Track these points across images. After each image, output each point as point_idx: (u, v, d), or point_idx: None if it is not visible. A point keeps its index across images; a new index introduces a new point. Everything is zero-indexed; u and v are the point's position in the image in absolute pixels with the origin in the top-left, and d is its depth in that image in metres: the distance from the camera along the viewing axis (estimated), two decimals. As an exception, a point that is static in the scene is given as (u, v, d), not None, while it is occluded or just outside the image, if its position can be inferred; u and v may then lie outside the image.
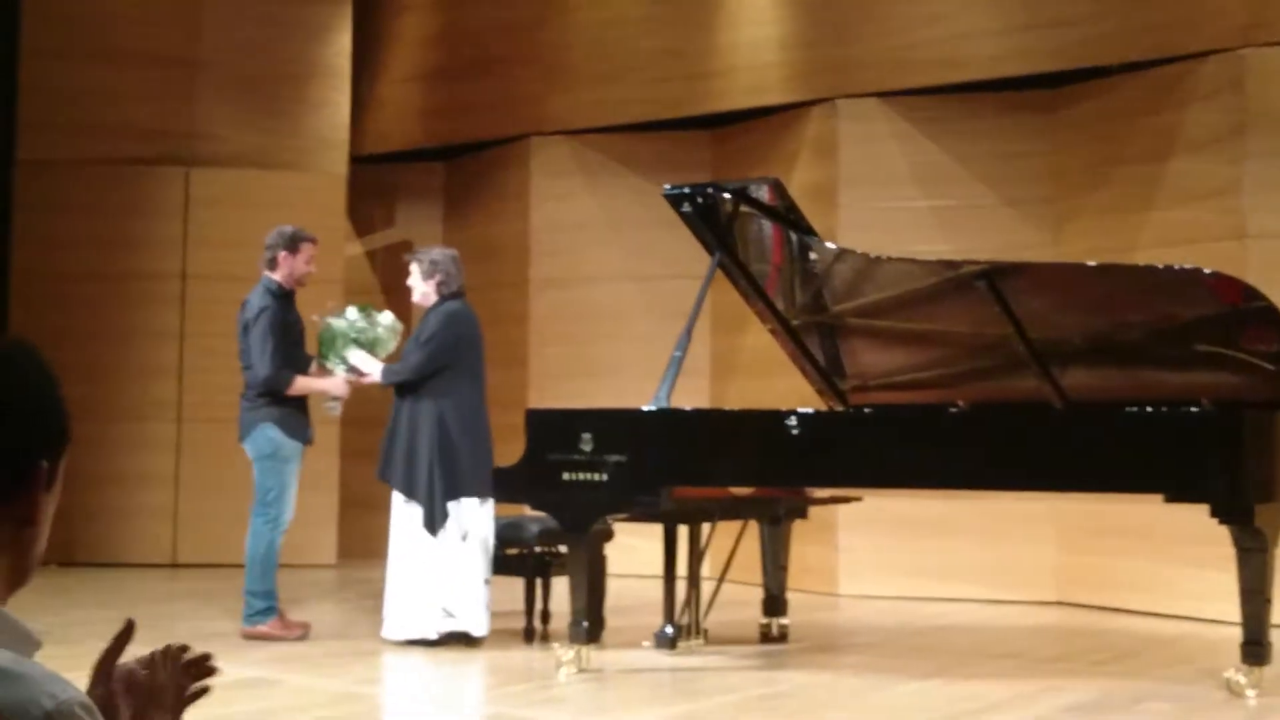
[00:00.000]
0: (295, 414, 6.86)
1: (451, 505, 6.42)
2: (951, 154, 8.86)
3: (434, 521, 6.40)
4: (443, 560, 6.39)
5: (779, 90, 9.42)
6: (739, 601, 7.40)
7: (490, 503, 6.49)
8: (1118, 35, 8.16)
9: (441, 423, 6.46)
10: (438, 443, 6.44)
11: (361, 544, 10.53)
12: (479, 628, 6.42)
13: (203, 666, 1.69)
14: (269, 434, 6.79)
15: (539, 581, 6.83)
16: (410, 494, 6.47)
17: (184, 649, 1.70)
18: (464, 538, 6.42)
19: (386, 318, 6.90)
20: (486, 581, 6.47)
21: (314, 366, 6.99)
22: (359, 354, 6.75)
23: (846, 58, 9.09)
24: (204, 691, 1.69)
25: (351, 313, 6.92)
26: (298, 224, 10.19)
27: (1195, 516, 5.50)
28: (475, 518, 6.45)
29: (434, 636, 6.38)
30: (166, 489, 10.03)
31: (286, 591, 8.56)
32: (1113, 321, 5.80)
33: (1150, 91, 8.09)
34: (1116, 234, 8.12)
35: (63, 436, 1.47)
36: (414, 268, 6.75)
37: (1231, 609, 5.47)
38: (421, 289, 6.71)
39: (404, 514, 6.52)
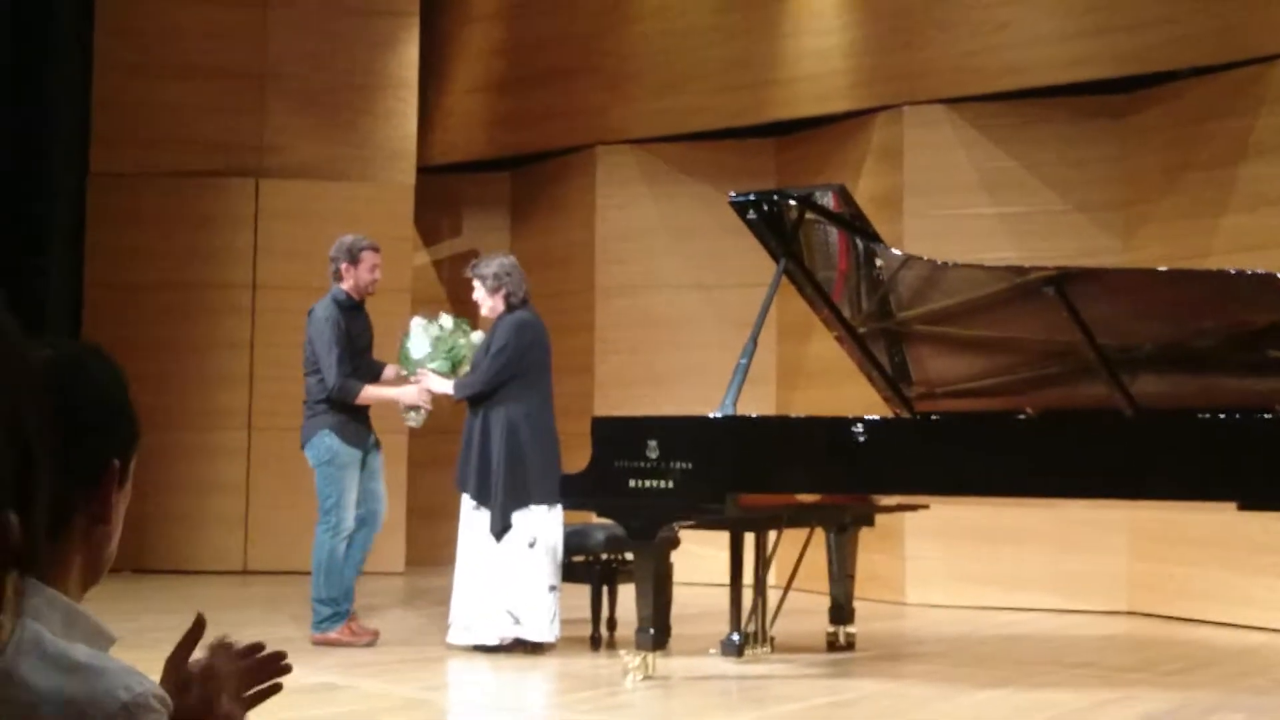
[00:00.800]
0: (354, 422, 6.91)
1: (520, 512, 6.44)
2: (1019, 160, 8.80)
3: (501, 528, 6.43)
4: (509, 567, 6.42)
5: (844, 98, 9.40)
6: (806, 610, 7.38)
7: (559, 510, 6.51)
8: (1187, 39, 8.08)
9: (512, 430, 6.50)
10: (507, 450, 6.47)
11: (429, 552, 10.60)
12: (544, 634, 6.43)
13: (275, 665, 1.71)
14: (327, 441, 6.86)
15: (605, 589, 6.83)
16: (482, 500, 6.50)
17: (257, 647, 1.72)
18: (531, 544, 6.44)
19: (476, 336, 6.89)
20: (554, 588, 6.49)
21: (390, 372, 7.04)
22: (432, 372, 6.77)
23: (912, 64, 9.05)
24: (275, 689, 1.71)
25: (446, 320, 6.91)
26: (366, 234, 10.33)
27: (1270, 525, 5.44)
28: (543, 524, 6.48)
29: (494, 642, 6.41)
30: (237, 497, 10.15)
31: (358, 599, 8.63)
32: (1184, 328, 5.72)
33: (1221, 95, 8.00)
34: (1188, 240, 8.03)
35: (133, 436, 1.50)
36: (476, 284, 6.77)
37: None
38: (489, 304, 6.73)
39: (473, 520, 6.56)
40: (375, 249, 7.10)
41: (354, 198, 10.42)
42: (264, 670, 1.71)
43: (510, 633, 6.41)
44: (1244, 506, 5.31)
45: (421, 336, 6.83)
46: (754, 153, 10.03)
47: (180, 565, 9.84)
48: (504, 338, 6.63)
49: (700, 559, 7.80)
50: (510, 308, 6.69)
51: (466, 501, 6.61)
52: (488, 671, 6.22)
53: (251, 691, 1.70)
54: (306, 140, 10.47)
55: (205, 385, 10.16)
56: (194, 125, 10.33)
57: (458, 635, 6.53)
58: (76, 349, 1.51)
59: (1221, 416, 5.38)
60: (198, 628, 1.63)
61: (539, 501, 6.45)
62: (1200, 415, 5.42)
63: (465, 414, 6.84)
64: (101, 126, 10.32)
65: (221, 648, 1.66)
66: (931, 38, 8.97)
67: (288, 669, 1.73)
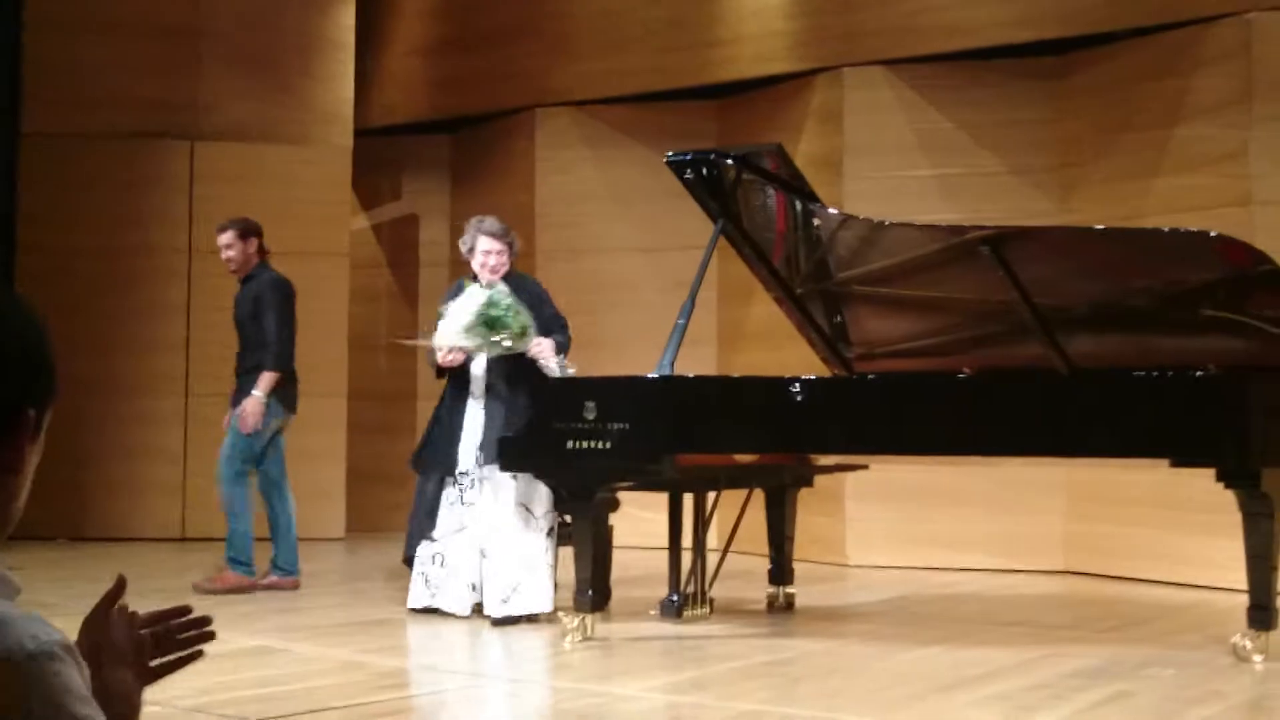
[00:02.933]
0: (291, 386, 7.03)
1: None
2: (957, 122, 8.82)
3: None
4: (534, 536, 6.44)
5: (784, 59, 9.38)
6: (747, 572, 7.40)
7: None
8: (1123, 1, 8.10)
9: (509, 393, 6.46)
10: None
11: (369, 517, 10.56)
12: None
13: (197, 631, 1.68)
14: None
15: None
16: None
17: (178, 611, 1.69)
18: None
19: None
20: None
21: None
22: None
23: (851, 26, 9.04)
24: (195, 656, 1.68)
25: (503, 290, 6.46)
26: (303, 196, 10.25)
27: (1204, 484, 5.48)
28: (490, 486, 6.44)
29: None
30: (174, 463, 10.05)
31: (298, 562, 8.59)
32: (1119, 287, 5.76)
33: (1156, 57, 8.04)
34: (1124, 201, 8.08)
35: (50, 388, 1.46)
36: (503, 247, 6.53)
37: (1241, 577, 5.45)
38: (507, 267, 6.60)
39: (507, 485, 6.42)
40: (219, 231, 7.64)
41: (291, 160, 10.31)
42: (180, 636, 1.68)
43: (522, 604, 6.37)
44: (1176, 463, 5.37)
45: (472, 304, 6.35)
46: (695, 115, 9.99)
47: (118, 533, 9.75)
48: (546, 297, 6.66)
49: (641, 522, 7.78)
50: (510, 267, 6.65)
51: (491, 470, 6.33)
52: (426, 635, 6.20)
53: (163, 660, 1.67)
54: (243, 102, 10.33)
55: (141, 351, 10.04)
56: (128, 86, 10.17)
57: (499, 606, 6.39)
58: None
59: (1155, 374, 5.42)
60: (117, 588, 1.60)
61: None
62: (1134, 373, 5.47)
63: (450, 384, 6.62)
64: (32, 86, 10.14)
65: (120, 616, 1.62)
66: (870, -1, 8.96)
67: (210, 635, 1.70)
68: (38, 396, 1.44)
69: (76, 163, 10.07)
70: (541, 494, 6.38)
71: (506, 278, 6.59)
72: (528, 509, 6.39)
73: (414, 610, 6.50)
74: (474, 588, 6.41)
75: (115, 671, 1.58)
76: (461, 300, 6.40)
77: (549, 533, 6.43)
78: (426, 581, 6.50)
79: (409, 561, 6.66)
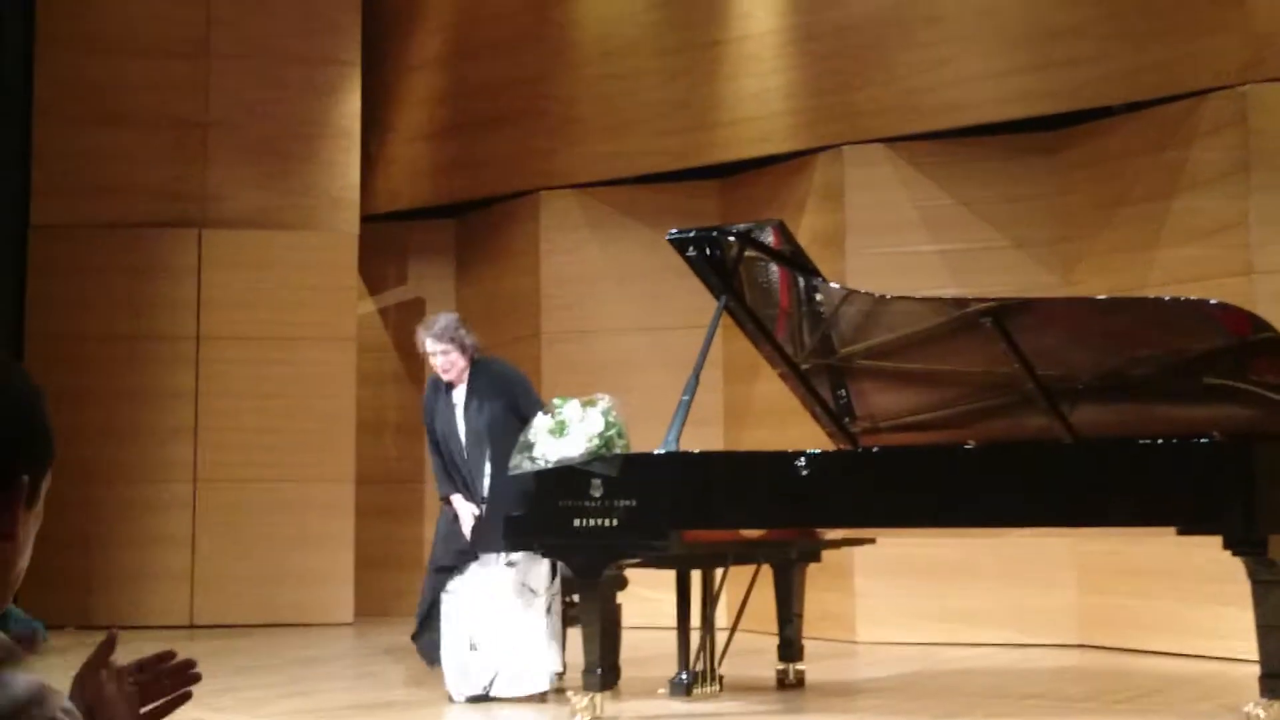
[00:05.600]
0: None
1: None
2: (958, 198, 8.88)
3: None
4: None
5: (785, 139, 9.47)
6: (756, 650, 7.36)
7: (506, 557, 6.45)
8: (1120, 75, 8.19)
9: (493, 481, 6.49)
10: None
11: (378, 603, 10.53)
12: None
13: (182, 675, 1.69)
14: None
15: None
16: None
17: (163, 657, 1.70)
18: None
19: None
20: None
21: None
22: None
23: (852, 105, 9.13)
24: (183, 699, 1.69)
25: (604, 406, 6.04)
26: (310, 282, 10.33)
27: (1214, 554, 5.46)
28: (483, 576, 6.45)
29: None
30: (183, 550, 10.04)
31: (304, 650, 8.60)
32: (1121, 356, 5.78)
33: (1154, 130, 8.11)
34: (1125, 273, 8.12)
35: (46, 452, 1.47)
36: (449, 348, 6.55)
37: (1253, 646, 5.41)
38: (462, 364, 6.62)
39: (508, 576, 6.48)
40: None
41: (298, 247, 10.40)
42: (168, 682, 1.69)
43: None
44: (1184, 531, 5.35)
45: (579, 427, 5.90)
46: (697, 195, 10.07)
47: (126, 620, 9.70)
48: (527, 383, 6.71)
49: (649, 602, 7.77)
50: (473, 361, 6.65)
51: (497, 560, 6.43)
52: (434, 717, 6.16)
53: (152, 706, 1.67)
54: (250, 189, 10.44)
55: (150, 438, 10.07)
56: (136, 175, 10.29)
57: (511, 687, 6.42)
58: None
59: (1159, 443, 5.42)
60: (106, 645, 1.61)
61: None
62: (1138, 442, 5.47)
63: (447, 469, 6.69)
64: (41, 177, 10.26)
65: (110, 674, 1.63)
66: (870, 78, 9.06)
67: (196, 678, 1.71)
68: (32, 462, 1.45)
69: (85, 252, 10.16)
70: (541, 570, 6.39)
71: (475, 365, 6.61)
72: (530, 590, 6.39)
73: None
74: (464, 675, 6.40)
75: None
76: (575, 424, 5.92)
77: (548, 610, 6.43)
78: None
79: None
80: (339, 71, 10.76)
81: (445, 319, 6.73)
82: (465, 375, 6.64)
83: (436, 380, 6.70)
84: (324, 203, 10.60)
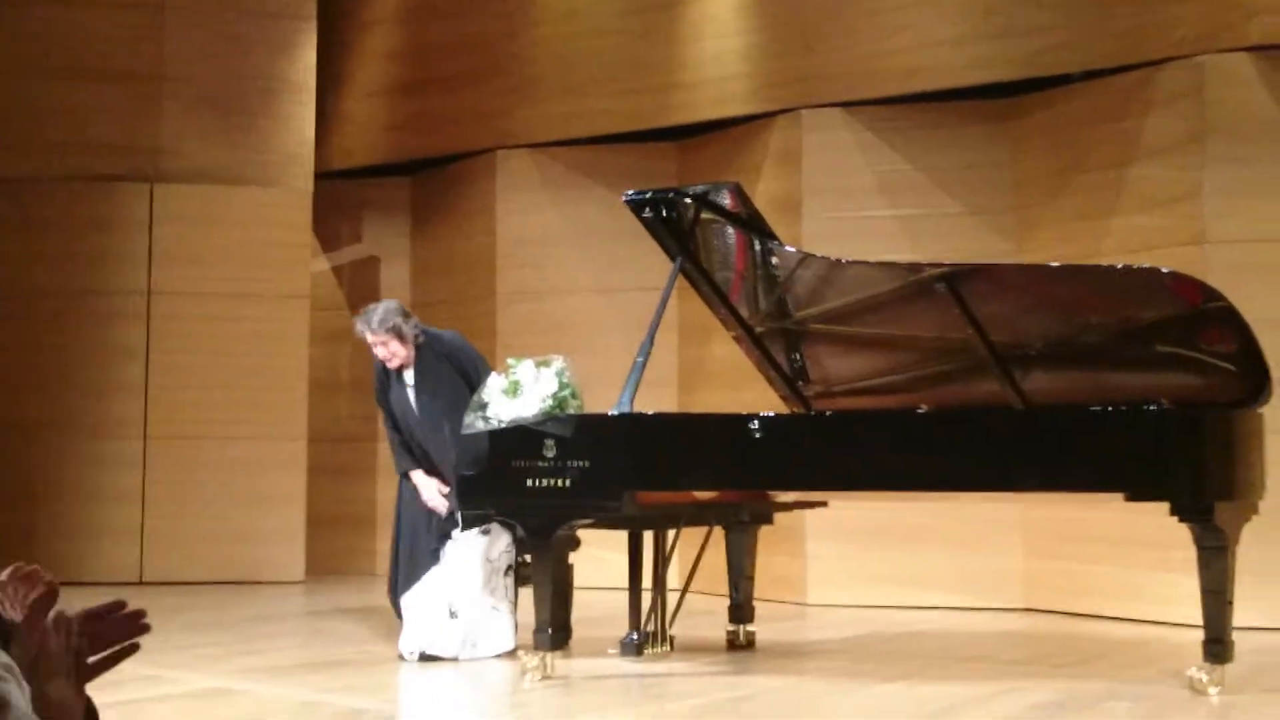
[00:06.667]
0: None
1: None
2: (915, 164, 8.90)
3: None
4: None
5: (743, 102, 9.45)
6: (707, 611, 7.39)
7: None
8: (1077, 43, 8.22)
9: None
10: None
11: (328, 561, 10.51)
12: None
13: (131, 625, 1.68)
14: None
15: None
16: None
17: (112, 607, 1.68)
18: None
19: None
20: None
21: None
22: None
23: (810, 69, 9.12)
24: (131, 650, 1.68)
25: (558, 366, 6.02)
26: (264, 238, 10.24)
27: (1160, 521, 5.52)
28: (457, 546, 6.45)
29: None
30: (132, 507, 9.97)
31: (255, 608, 8.59)
32: (1073, 323, 5.82)
33: (1110, 99, 8.14)
34: (1079, 241, 8.16)
35: None
36: (388, 337, 6.52)
37: (1197, 612, 5.48)
38: (404, 352, 6.59)
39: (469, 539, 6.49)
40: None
41: (251, 203, 10.31)
42: (118, 632, 1.67)
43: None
44: (1131, 498, 5.41)
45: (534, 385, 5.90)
46: (655, 156, 10.05)
47: (74, 576, 9.62)
48: (476, 356, 6.64)
49: (601, 563, 7.78)
50: (418, 346, 6.61)
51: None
52: (385, 675, 6.17)
53: (100, 655, 1.66)
54: (202, 145, 10.33)
55: (99, 393, 9.98)
56: (87, 129, 10.16)
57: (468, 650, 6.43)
58: None
59: (1109, 410, 5.47)
60: (46, 598, 1.59)
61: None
62: (1088, 409, 5.51)
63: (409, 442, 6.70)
64: (-9, 129, 10.12)
65: (56, 625, 1.62)
66: (829, 42, 9.05)
67: (145, 628, 1.69)
68: None
69: (35, 205, 10.04)
70: (503, 542, 6.42)
71: (422, 345, 6.60)
72: (489, 560, 6.42)
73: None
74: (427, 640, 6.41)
75: (52, 682, 1.57)
76: (529, 384, 5.89)
77: (505, 571, 6.45)
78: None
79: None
80: (294, 26, 10.65)
81: (383, 309, 6.64)
82: (412, 358, 6.61)
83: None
84: (278, 158, 10.50)
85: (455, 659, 6.31)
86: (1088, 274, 6.09)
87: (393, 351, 6.56)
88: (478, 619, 6.39)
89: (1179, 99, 7.81)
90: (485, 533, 6.42)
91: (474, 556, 6.41)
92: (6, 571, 1.75)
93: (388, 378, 6.72)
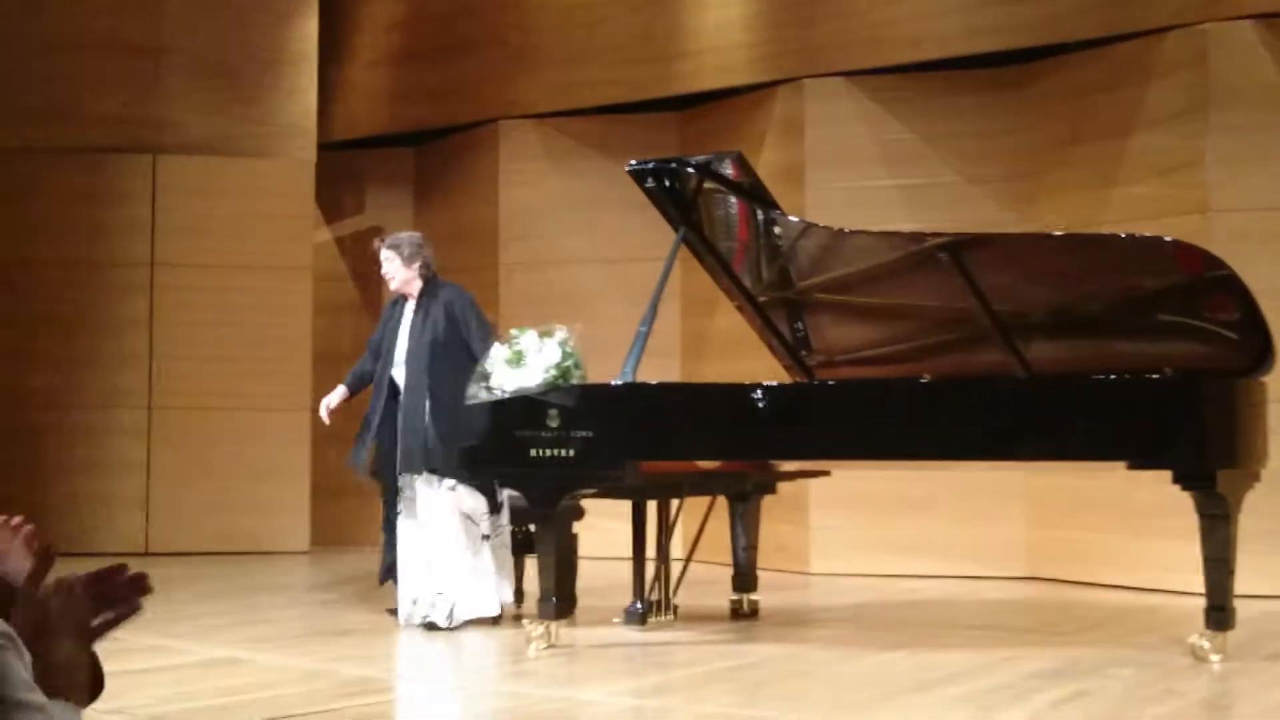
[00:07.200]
0: None
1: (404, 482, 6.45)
2: (917, 133, 8.89)
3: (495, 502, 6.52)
4: (464, 541, 6.45)
5: (746, 71, 9.44)
6: (711, 581, 7.42)
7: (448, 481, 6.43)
8: (1079, 11, 8.20)
9: (453, 403, 6.42)
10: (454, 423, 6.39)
11: (333, 531, 10.54)
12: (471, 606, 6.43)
13: (136, 587, 1.69)
14: None
15: (512, 560, 6.81)
16: (447, 473, 6.41)
17: (113, 571, 1.69)
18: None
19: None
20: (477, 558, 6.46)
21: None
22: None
23: (813, 38, 9.11)
24: (133, 610, 1.69)
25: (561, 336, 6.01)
26: (266, 209, 10.25)
27: (1163, 489, 5.54)
28: (427, 497, 6.44)
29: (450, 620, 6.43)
30: (137, 477, 10.01)
31: (260, 578, 8.63)
32: (1076, 292, 5.83)
33: (1113, 67, 8.13)
34: (1082, 210, 8.16)
35: None
36: (390, 254, 6.64)
37: (1199, 580, 5.51)
38: (404, 275, 6.63)
39: (434, 497, 6.48)
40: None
41: (254, 174, 10.31)
42: (119, 595, 1.68)
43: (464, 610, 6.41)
44: (1134, 466, 5.43)
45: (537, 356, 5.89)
46: (657, 126, 10.04)
47: (80, 547, 9.66)
48: (477, 313, 6.60)
49: (605, 533, 7.80)
50: (425, 280, 6.64)
51: (418, 480, 6.46)
52: (390, 644, 6.21)
53: (103, 618, 1.67)
54: (205, 115, 10.32)
55: (103, 364, 10.01)
56: (90, 100, 10.15)
57: (419, 614, 6.46)
58: None
59: (1111, 378, 5.48)
60: (43, 563, 1.60)
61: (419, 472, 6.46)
62: (1091, 378, 5.53)
63: (380, 393, 6.70)
64: (-7, 101, 10.12)
65: (57, 589, 1.63)
66: (831, 11, 9.03)
67: (148, 589, 1.71)
68: None
69: (38, 177, 10.04)
70: (477, 500, 6.43)
71: (428, 285, 6.60)
72: (470, 518, 6.43)
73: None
74: (415, 602, 6.43)
75: (56, 644, 1.59)
76: (532, 354, 5.91)
77: (486, 538, 6.48)
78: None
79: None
80: (296, -4, 10.62)
81: (404, 233, 6.87)
82: (415, 289, 6.64)
83: (397, 298, 6.75)
84: (280, 129, 10.50)
85: (434, 623, 6.32)
86: (1091, 243, 6.09)
87: (391, 271, 6.66)
88: (458, 579, 6.39)
89: (1181, 67, 7.80)
90: (452, 489, 6.41)
91: (443, 509, 6.40)
92: None
93: (391, 311, 6.81)
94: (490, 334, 6.45)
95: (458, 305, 6.61)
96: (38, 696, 1.32)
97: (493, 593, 6.50)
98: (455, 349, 6.48)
